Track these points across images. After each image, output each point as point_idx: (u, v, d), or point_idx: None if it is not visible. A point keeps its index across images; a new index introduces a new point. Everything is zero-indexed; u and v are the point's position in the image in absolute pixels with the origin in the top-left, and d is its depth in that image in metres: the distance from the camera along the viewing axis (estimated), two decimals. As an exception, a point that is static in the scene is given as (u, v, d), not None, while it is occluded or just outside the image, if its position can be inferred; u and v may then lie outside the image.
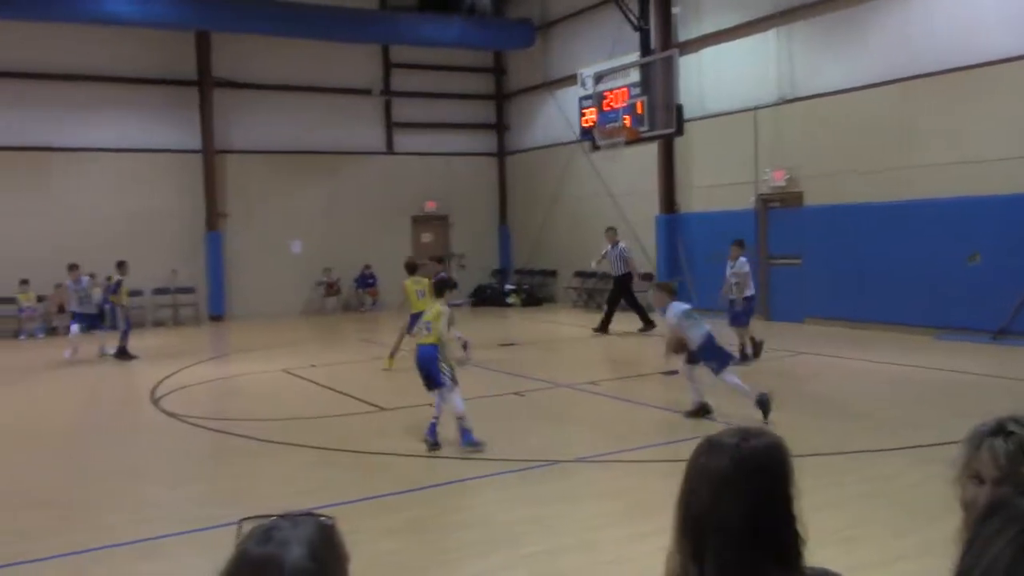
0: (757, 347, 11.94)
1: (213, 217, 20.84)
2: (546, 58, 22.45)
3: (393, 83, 23.13)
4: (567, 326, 17.83)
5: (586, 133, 19.67)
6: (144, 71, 20.18)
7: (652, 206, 18.76)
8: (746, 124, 16.60)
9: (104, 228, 19.19)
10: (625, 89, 17.10)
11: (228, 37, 20.64)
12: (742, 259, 11.89)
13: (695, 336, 8.37)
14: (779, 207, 16.42)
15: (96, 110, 19.70)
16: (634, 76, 17.59)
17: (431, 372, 7.79)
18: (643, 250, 19.00)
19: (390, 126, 23.22)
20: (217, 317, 20.73)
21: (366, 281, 22.35)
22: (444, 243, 23.88)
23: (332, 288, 21.99)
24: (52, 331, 18.48)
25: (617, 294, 15.97)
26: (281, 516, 1.44)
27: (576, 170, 21.56)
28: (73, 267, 14.55)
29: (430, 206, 23.56)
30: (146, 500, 6.76)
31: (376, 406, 9.94)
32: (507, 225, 24.67)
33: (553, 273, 22.67)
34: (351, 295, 22.50)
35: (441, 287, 8.35)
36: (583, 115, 19.92)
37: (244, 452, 8.09)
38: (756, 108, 16.41)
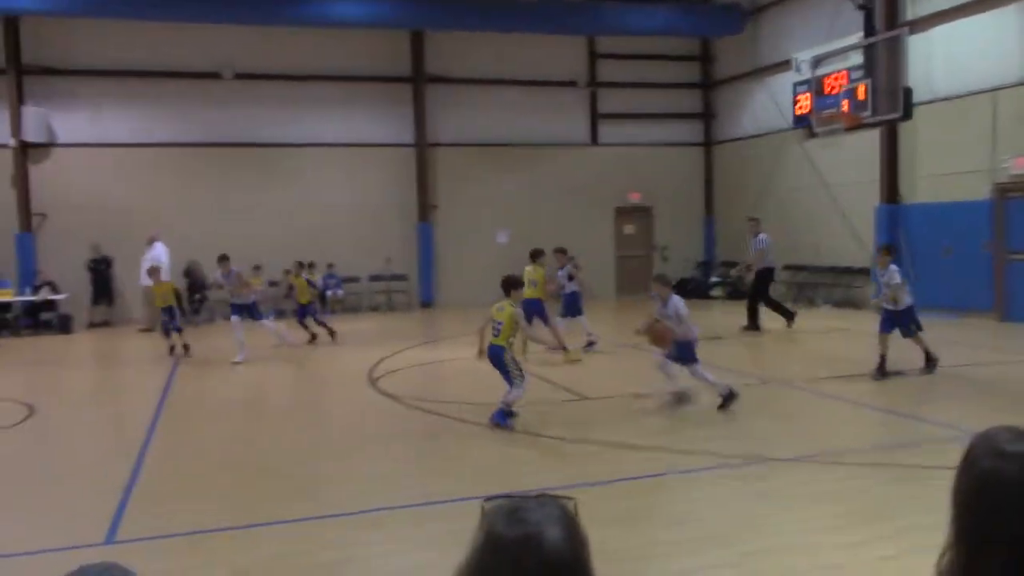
0: (931, 360, 10.39)
1: (424, 208, 21.81)
2: (756, 43, 21.68)
3: (598, 73, 23.17)
4: (775, 321, 17.18)
5: (800, 120, 18.84)
6: (364, 70, 21.39)
7: (871, 197, 17.67)
8: (982, 107, 15.26)
9: (326, 219, 20.64)
10: (844, 73, 16.22)
11: (439, 35, 21.51)
12: (892, 267, 10.34)
13: (691, 333, 8.64)
14: (1020, 197, 14.98)
15: (319, 108, 21.11)
16: (855, 59, 16.64)
17: (500, 370, 8.24)
18: (860, 243, 17.98)
19: (594, 117, 23.29)
20: (427, 304, 21.69)
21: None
22: (647, 235, 23.70)
23: (536, 278, 22.37)
24: (280, 314, 19.99)
25: (757, 289, 15.20)
26: (524, 497, 1.46)
27: (787, 159, 20.71)
28: (223, 259, 13.81)
29: (634, 197, 23.43)
30: (368, 474, 7.16)
31: (580, 394, 10.02)
32: (712, 216, 24.10)
33: (760, 266, 21.91)
34: (556, 285, 22.76)
35: (507, 287, 8.41)
36: (796, 101, 19.09)
37: (455, 433, 8.39)
38: (995, 89, 15.05)
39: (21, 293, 18.44)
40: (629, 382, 10.32)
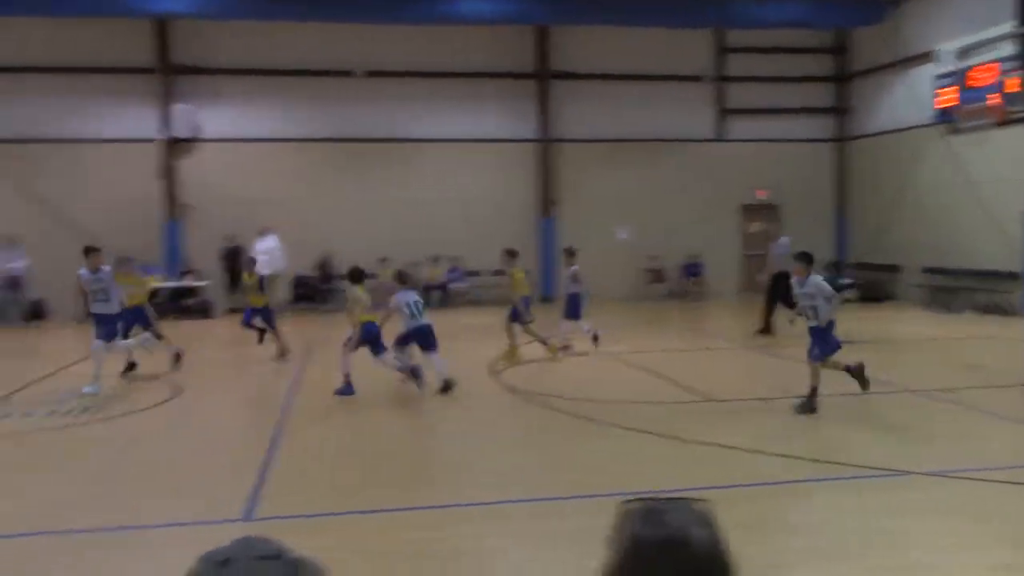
0: None
1: (547, 203, 21.89)
2: (896, 34, 20.70)
3: (725, 67, 22.67)
4: (912, 326, 16.41)
5: (943, 115, 17.90)
6: (487, 66, 21.63)
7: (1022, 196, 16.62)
8: None
9: (449, 213, 21.03)
10: (995, 64, 15.29)
11: (564, 29, 21.55)
12: None
13: (829, 313, 8.61)
14: None
15: (443, 104, 21.49)
16: (1005, 49, 15.67)
17: None
18: (1008, 245, 16.94)
19: (721, 112, 22.81)
20: (548, 298, 21.75)
21: (692, 270, 22.21)
22: (774, 233, 23.02)
23: (657, 276, 22.15)
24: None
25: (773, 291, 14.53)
26: (660, 499, 1.45)
27: (928, 156, 19.70)
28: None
29: (760, 194, 22.83)
30: (489, 466, 7.26)
31: (704, 395, 9.85)
32: (845, 215, 23.20)
33: (895, 268, 20.95)
34: (677, 283, 22.48)
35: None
36: (938, 95, 18.14)
37: (574, 429, 8.39)
38: None
39: (168, 279, 19.56)
40: (754, 384, 10.10)
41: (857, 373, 8.96)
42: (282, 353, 13.05)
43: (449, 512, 5.99)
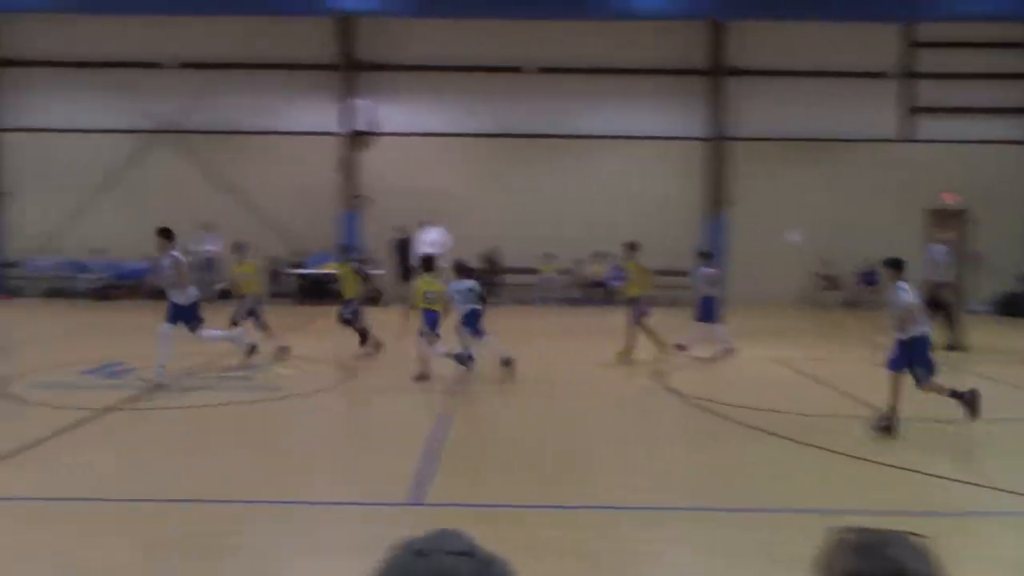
0: None
1: (716, 203, 21.39)
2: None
3: (915, 63, 21.35)
4: None
5: None
6: (657, 62, 21.33)
7: None
8: None
9: (611, 210, 20.94)
10: None
11: (740, 24, 20.93)
12: None
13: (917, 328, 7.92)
14: None
15: (612, 100, 21.39)
16: None
17: None
18: None
19: (909, 111, 21.51)
20: (711, 301, 21.30)
21: (869, 278, 21.08)
22: (961, 241, 21.50)
23: (832, 282, 21.17)
24: (571, 302, 20.57)
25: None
26: (876, 531, 1.38)
27: None
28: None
29: (948, 199, 21.37)
30: (647, 469, 7.15)
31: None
32: (1043, 224, 21.39)
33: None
34: (853, 291, 21.42)
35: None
36: None
37: (737, 437, 8.14)
38: None
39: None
40: (938, 403, 9.47)
41: (968, 400, 8.23)
42: (374, 346, 12.49)
43: (602, 513, 5.94)
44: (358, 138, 21.20)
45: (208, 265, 19.90)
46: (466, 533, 1.34)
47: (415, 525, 5.55)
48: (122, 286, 20.70)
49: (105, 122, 21.52)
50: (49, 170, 21.64)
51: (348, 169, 21.28)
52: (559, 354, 13.45)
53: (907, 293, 8.09)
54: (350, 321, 12.58)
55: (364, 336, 12.57)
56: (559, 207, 21.23)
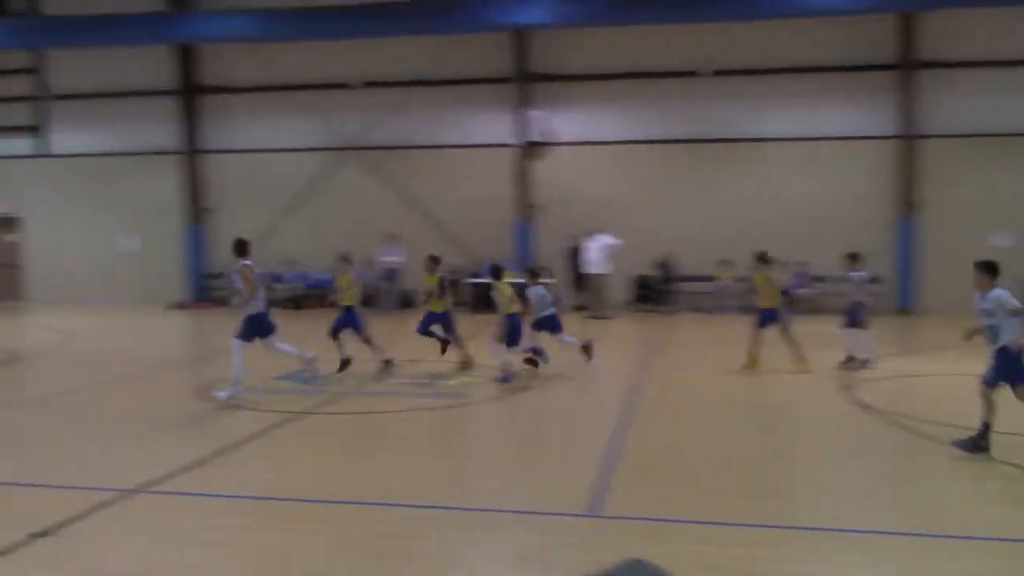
0: None
1: (908, 205, 20.10)
2: None
3: None
4: None
5: None
6: (835, 59, 20.31)
7: None
8: None
9: (793, 214, 20.14)
10: None
11: (934, 15, 19.61)
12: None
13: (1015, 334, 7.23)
14: None
15: (786, 100, 20.57)
16: None
17: None
18: None
19: None
20: (906, 309, 20.01)
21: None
22: None
23: (1041, 288, 19.39)
24: (744, 310, 19.91)
25: None
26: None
27: None
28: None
29: None
30: (839, 487, 6.79)
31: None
32: None
33: None
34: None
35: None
36: None
37: (934, 457, 7.58)
38: None
39: (518, 277, 20.81)
40: None
41: None
42: (465, 364, 12.26)
43: (794, 533, 5.69)
44: (532, 148, 21.49)
45: (390, 275, 20.79)
46: (664, 569, 1.30)
47: (594, 538, 5.53)
48: (312, 295, 21.93)
49: (297, 142, 22.92)
50: (248, 187, 23.27)
51: (522, 179, 21.61)
52: (738, 364, 13.03)
53: (1010, 299, 7.41)
54: (431, 333, 12.30)
55: (444, 346, 12.34)
56: (736, 212, 20.64)
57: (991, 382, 7.48)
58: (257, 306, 9.98)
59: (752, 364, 12.13)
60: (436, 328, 12.28)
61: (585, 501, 6.26)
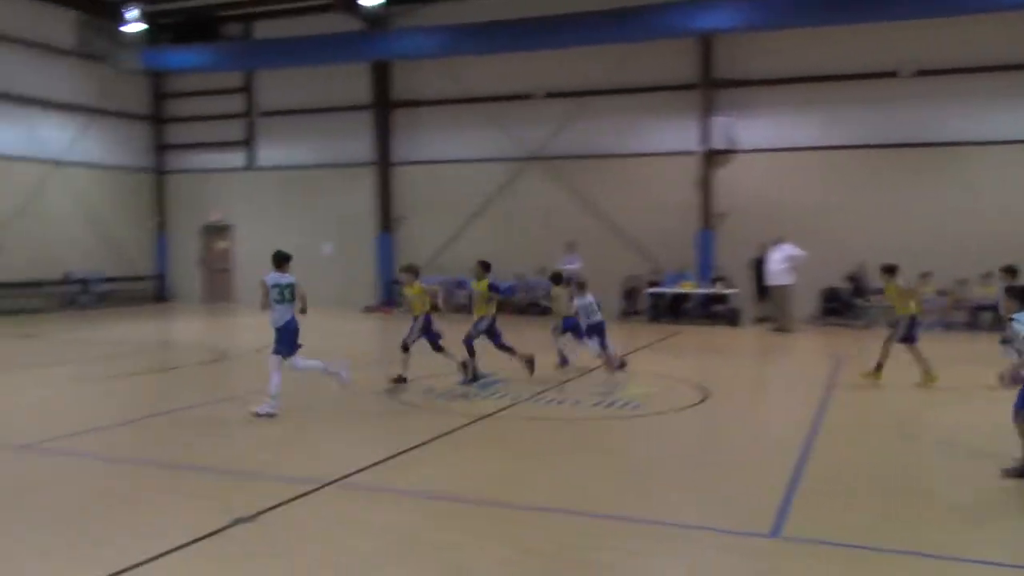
0: None
1: None
2: None
3: None
4: None
5: None
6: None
7: None
8: None
9: (1001, 224, 18.49)
10: None
11: None
12: None
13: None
14: None
15: (997, 100, 19.00)
16: None
17: None
18: None
19: None
20: None
21: None
22: None
23: None
24: (950, 326, 18.55)
25: None
26: None
27: None
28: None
29: None
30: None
31: None
32: None
33: None
34: None
35: None
36: None
37: None
38: None
39: (699, 286, 20.41)
40: None
41: None
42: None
43: (990, 570, 5.22)
44: (716, 156, 21.02)
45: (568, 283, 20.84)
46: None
47: (778, 559, 5.31)
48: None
49: (481, 152, 23.54)
50: (434, 197, 24.14)
51: (706, 187, 21.17)
52: (943, 383, 12.15)
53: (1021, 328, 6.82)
54: (505, 347, 12.23)
55: (511, 351, 12.23)
56: (935, 221, 19.23)
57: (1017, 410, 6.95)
58: (274, 320, 9.63)
59: (875, 374, 11.67)
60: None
61: (768, 520, 6.01)
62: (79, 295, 23.92)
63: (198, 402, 10.70)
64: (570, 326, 12.76)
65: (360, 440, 9.01)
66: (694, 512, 6.30)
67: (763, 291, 19.58)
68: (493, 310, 12.22)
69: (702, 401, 10.69)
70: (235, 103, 26.30)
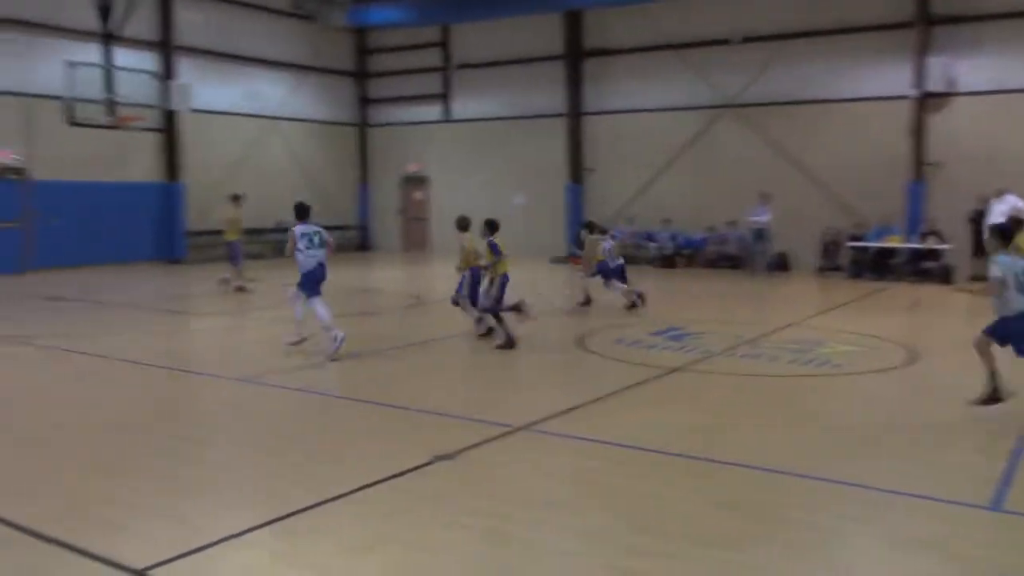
0: None
1: None
2: None
3: None
4: None
5: None
6: None
7: None
8: None
9: None
10: None
11: None
12: None
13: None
14: None
15: None
16: None
17: None
18: None
19: None
20: None
21: None
22: None
23: None
24: None
25: None
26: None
27: None
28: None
29: None
30: None
31: None
32: None
33: None
34: None
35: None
36: None
37: None
38: None
39: (907, 241, 19.04)
40: None
41: None
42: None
43: None
44: (931, 100, 19.38)
45: (759, 236, 20.01)
46: None
47: (996, 533, 4.90)
48: (683, 255, 21.96)
49: (674, 101, 22.88)
50: (624, 147, 23.79)
51: (918, 134, 19.59)
52: None
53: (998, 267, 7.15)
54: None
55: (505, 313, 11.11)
56: None
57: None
58: (301, 266, 10.49)
59: None
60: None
61: (988, 491, 5.55)
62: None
63: (399, 343, 11.18)
64: (602, 269, 14.03)
65: (553, 387, 9.12)
66: (904, 479, 5.91)
67: (981, 247, 17.96)
68: (503, 268, 11.16)
69: (911, 363, 10.01)
70: (433, 57, 26.95)
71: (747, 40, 21.52)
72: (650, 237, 22.61)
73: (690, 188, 22.50)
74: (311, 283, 10.46)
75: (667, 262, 21.82)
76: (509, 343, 10.68)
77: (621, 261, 14.47)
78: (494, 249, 11.07)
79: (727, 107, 22.02)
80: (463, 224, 11.62)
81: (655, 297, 14.52)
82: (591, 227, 14.75)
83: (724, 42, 21.82)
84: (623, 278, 14.28)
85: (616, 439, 6.75)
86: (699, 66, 22.28)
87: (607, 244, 14.27)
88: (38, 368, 10.02)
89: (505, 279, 11.06)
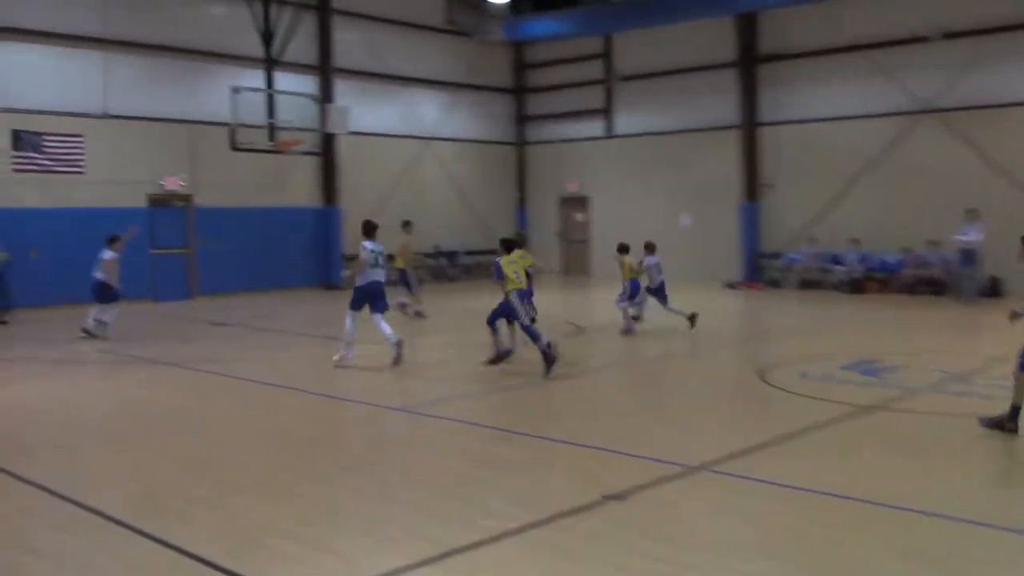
0: None
1: None
2: None
3: None
4: None
5: None
6: None
7: None
8: None
9: None
10: None
11: None
12: None
13: None
14: None
15: None
16: None
17: None
18: None
19: None
20: None
21: None
22: None
23: None
24: None
25: None
26: None
27: None
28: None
29: None
30: None
31: None
32: None
33: None
34: None
35: None
36: None
37: None
38: None
39: None
40: None
41: None
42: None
43: None
44: None
45: (967, 258, 18.71)
46: None
47: None
48: (875, 279, 21.00)
49: (862, 107, 22.01)
50: (806, 160, 23.08)
51: None
52: None
53: None
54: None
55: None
56: None
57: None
58: (359, 281, 11.59)
59: None
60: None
61: None
62: (446, 268, 26.28)
63: (559, 375, 11.25)
64: (636, 288, 14.67)
65: (728, 424, 8.92)
66: None
67: None
68: (510, 286, 11.36)
69: None
70: (594, 69, 27.16)
71: (947, 36, 20.46)
72: (836, 259, 21.78)
73: (881, 204, 21.54)
74: (364, 298, 11.55)
75: (856, 287, 20.94)
76: (497, 359, 11.51)
77: (662, 278, 15.09)
78: (497, 273, 11.47)
79: (924, 112, 20.97)
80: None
81: (842, 325, 13.96)
82: (625, 248, 15.09)
83: (919, 40, 20.83)
84: (663, 297, 15.00)
85: (800, 483, 6.51)
86: (890, 68, 21.37)
87: (651, 260, 14.99)
88: (214, 393, 10.74)
89: (511, 300, 11.26)
